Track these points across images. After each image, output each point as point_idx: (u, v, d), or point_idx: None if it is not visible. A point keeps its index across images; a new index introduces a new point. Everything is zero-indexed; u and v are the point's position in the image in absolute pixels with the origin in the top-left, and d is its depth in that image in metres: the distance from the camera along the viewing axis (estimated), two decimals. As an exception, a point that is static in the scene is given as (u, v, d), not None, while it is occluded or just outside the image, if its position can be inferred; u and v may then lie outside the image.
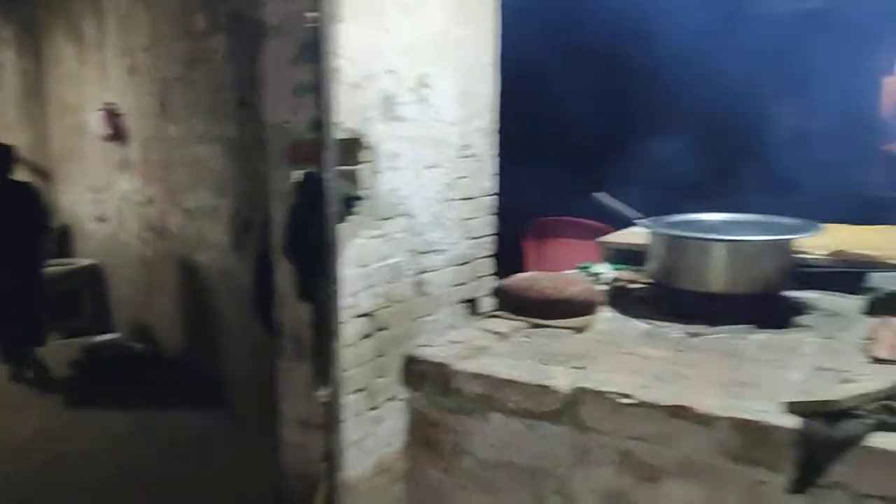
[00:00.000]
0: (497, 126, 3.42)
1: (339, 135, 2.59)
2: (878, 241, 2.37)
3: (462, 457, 1.74)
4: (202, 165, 4.69)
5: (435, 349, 1.82)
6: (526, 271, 2.31)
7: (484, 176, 3.40)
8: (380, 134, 2.77)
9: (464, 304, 3.34)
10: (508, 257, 3.73)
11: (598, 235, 2.97)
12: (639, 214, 2.26)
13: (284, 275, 2.77)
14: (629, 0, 4.38)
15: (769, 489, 1.39)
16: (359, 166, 2.70)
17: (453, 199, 3.21)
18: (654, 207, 2.41)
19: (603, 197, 2.35)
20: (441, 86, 3.06)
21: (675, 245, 2.16)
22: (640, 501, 1.51)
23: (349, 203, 2.66)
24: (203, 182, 4.73)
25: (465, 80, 3.21)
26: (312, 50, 2.49)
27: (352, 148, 2.66)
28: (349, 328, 2.70)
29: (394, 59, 2.80)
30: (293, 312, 2.74)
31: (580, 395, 1.57)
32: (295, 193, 2.66)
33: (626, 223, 2.39)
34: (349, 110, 2.62)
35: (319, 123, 2.49)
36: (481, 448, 1.71)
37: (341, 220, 2.62)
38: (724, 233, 2.18)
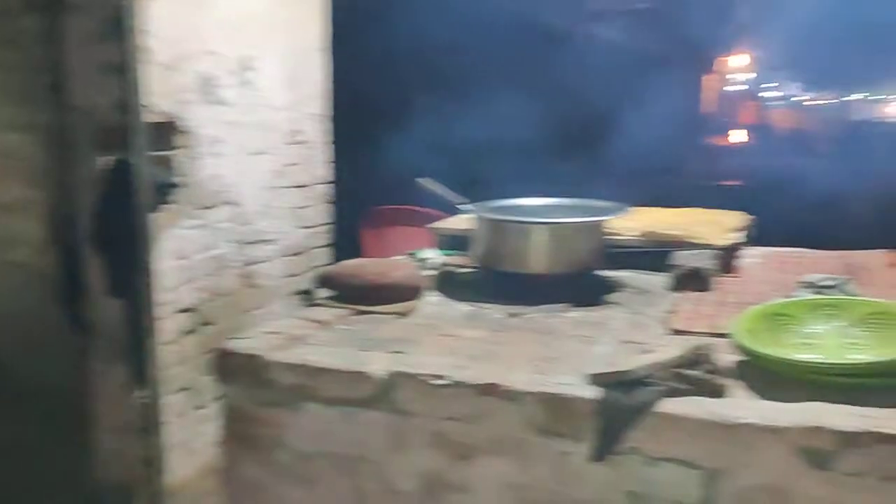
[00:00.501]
0: (330, 113, 3.35)
1: (151, 118, 2.43)
2: (683, 222, 2.53)
3: (280, 450, 1.68)
4: (13, 156, 4.28)
5: (248, 341, 1.74)
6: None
7: (316, 163, 3.31)
8: (199, 118, 2.62)
9: (297, 296, 3.25)
10: (348, 246, 3.68)
11: (435, 222, 2.98)
12: (462, 199, 2.28)
13: (94, 269, 2.57)
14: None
15: (574, 459, 1.43)
16: (175, 152, 2.55)
17: (283, 187, 3.11)
18: (483, 194, 2.45)
19: (428, 182, 2.35)
20: (267, 69, 2.95)
21: (497, 229, 2.20)
22: (454, 480, 1.52)
23: (164, 191, 2.50)
24: (14, 173, 4.32)
25: (293, 63, 3.11)
26: (118, 27, 2.31)
27: (166, 132, 2.51)
28: (168, 324, 2.55)
29: (213, 39, 2.66)
30: (105, 309, 2.55)
31: (395, 380, 1.55)
32: (103, 181, 2.47)
33: (453, 209, 2.41)
34: (162, 92, 2.46)
35: (125, 106, 2.32)
36: (299, 439, 1.66)
37: (156, 209, 2.46)
38: (543, 216, 2.25)
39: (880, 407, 1.34)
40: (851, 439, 1.26)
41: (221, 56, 2.72)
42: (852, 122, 21.49)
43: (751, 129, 20.57)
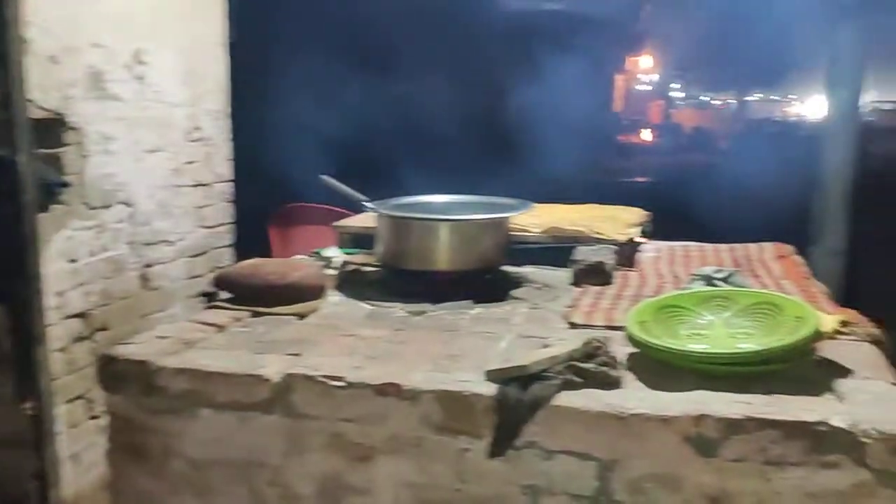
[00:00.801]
0: (229, 109, 3.26)
1: (36, 114, 2.30)
2: (585, 219, 2.58)
3: (172, 459, 1.61)
4: None
5: (136, 346, 1.67)
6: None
7: (217, 161, 3.22)
8: (88, 114, 2.51)
9: (199, 298, 3.15)
10: (255, 246, 3.59)
11: (340, 220, 2.93)
12: (362, 197, 2.25)
13: (-25, 274, 2.42)
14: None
15: (473, 456, 1.43)
16: (63, 149, 2.43)
17: (182, 186, 3.01)
18: (388, 191, 2.43)
19: (330, 180, 2.31)
20: (162, 63, 2.85)
21: (400, 227, 2.18)
22: (353, 482, 1.49)
23: (52, 190, 2.38)
24: None
25: (190, 58, 3.01)
26: (-5, 16, 2.18)
27: (52, 129, 2.38)
28: (58, 331, 2.43)
29: (102, 31, 2.55)
30: (-13, 317, 2.40)
31: (291, 382, 1.51)
32: (-18, 180, 2.32)
33: (360, 207, 2.37)
34: (46, 86, 2.34)
35: (6, 100, 2.19)
36: (192, 447, 1.59)
37: (42, 209, 2.33)
38: (447, 214, 2.24)
39: (763, 393, 1.39)
40: (735, 426, 1.31)
41: (111, 49, 2.61)
42: (750, 121, 22.56)
43: (658, 127, 21.32)
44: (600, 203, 3.06)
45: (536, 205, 2.83)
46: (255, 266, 2.07)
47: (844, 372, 1.51)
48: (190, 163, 3.03)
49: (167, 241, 2.94)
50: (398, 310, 1.99)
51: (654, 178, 13.33)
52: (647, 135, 20.08)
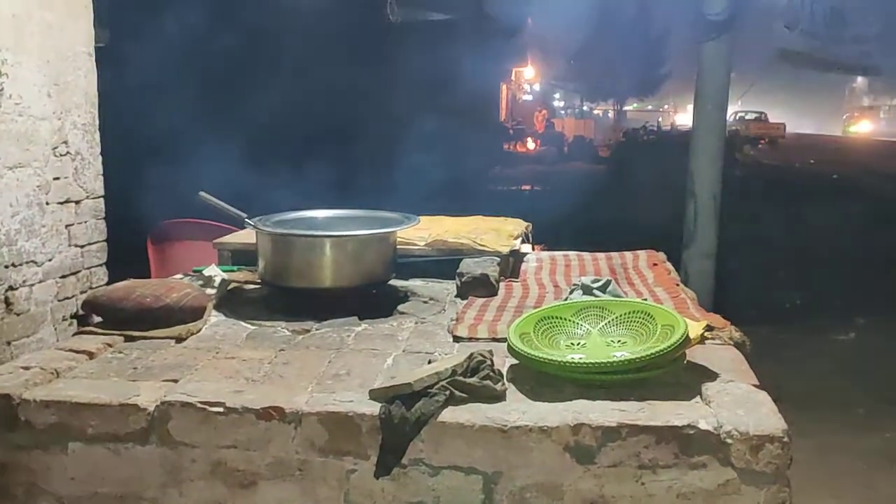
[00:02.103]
0: (97, 122, 3.10)
1: None
2: (470, 231, 2.62)
3: (39, 498, 1.51)
4: None
5: (-3, 379, 1.56)
6: (151, 278, 2.12)
7: (87, 176, 3.06)
8: (-62, 128, 2.33)
9: (71, 321, 2.98)
10: (133, 264, 3.43)
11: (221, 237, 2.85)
12: (243, 214, 2.20)
13: None
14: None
15: (359, 477, 1.42)
16: None
17: (49, 203, 2.84)
18: (271, 206, 2.38)
19: (208, 196, 2.24)
20: (24, 74, 2.68)
21: (282, 243, 2.15)
22: (236, 511, 1.45)
23: None
24: None
25: (56, 70, 2.85)
26: None
27: None
28: None
29: (-46, 40, 2.37)
30: None
31: (168, 410, 1.45)
32: None
33: (242, 222, 2.31)
34: None
35: None
36: (62, 484, 1.50)
37: None
38: (331, 229, 2.22)
39: (637, 400, 1.46)
40: (611, 433, 1.36)
41: (-34, 59, 2.43)
42: (628, 129, 23.64)
43: (541, 136, 21.97)
44: (487, 214, 3.12)
45: (423, 217, 2.86)
46: (128, 287, 1.98)
47: (711, 375, 1.60)
48: (57, 179, 2.87)
49: (34, 261, 2.77)
50: (281, 329, 1.96)
51: (538, 185, 13.74)
52: (531, 143, 20.68)
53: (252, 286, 2.31)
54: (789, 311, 6.95)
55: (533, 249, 2.80)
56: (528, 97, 26.75)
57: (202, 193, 2.23)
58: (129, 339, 1.85)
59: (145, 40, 4.23)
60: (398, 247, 2.38)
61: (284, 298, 2.13)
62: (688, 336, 1.57)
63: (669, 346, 1.52)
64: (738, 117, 30.22)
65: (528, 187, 13.79)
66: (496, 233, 2.61)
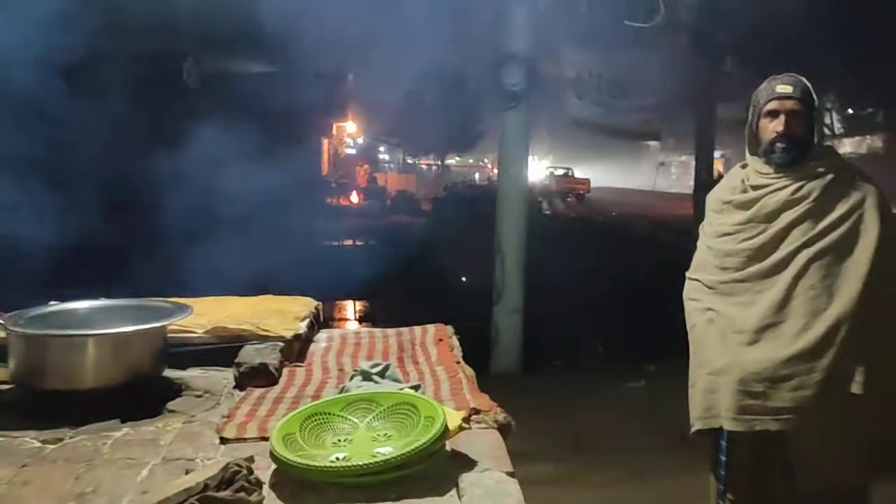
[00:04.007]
0: None
1: None
2: (252, 314, 2.55)
3: None
4: None
5: None
6: None
7: None
8: None
9: None
10: None
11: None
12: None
13: None
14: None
15: None
16: None
17: None
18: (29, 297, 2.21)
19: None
20: None
21: (37, 343, 1.99)
22: None
23: None
24: None
25: None
26: None
27: None
28: None
29: None
30: None
31: None
32: None
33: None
34: None
35: None
36: None
37: None
38: (92, 323, 2.09)
39: (395, 499, 1.48)
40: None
41: None
42: (450, 184, 24.50)
43: (364, 190, 22.20)
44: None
45: (207, 299, 2.77)
46: None
47: (471, 464, 1.65)
48: None
49: None
50: (30, 439, 1.80)
51: (361, 239, 13.83)
52: (354, 197, 20.82)
53: (3, 387, 2.11)
54: (591, 359, 7.41)
55: (321, 329, 2.79)
56: (352, 151, 27.00)
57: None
58: None
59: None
60: (175, 336, 2.28)
61: (37, 402, 1.96)
62: (446, 428, 1.62)
63: (425, 442, 1.55)
64: (548, 173, 32.25)
65: (350, 242, 13.82)
66: (281, 315, 2.57)
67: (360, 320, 9.17)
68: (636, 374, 6.52)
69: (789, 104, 2.35)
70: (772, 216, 2.36)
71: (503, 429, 1.90)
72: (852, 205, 2.32)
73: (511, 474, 1.63)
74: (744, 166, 2.55)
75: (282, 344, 2.39)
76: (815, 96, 2.37)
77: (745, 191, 2.46)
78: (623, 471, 4.40)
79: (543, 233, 11.19)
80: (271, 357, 2.27)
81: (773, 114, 2.38)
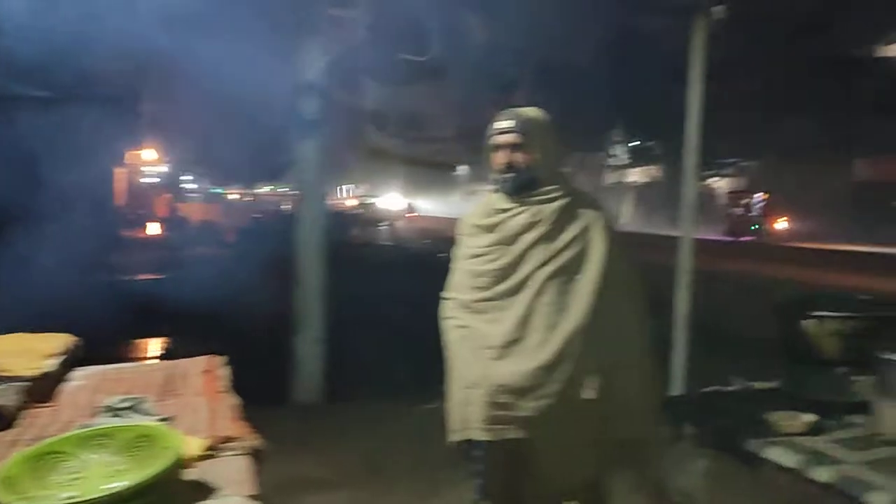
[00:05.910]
0: None
1: None
2: (17, 350, 2.40)
3: None
4: None
5: None
6: None
7: None
8: None
9: None
10: None
11: None
12: None
13: None
14: None
15: None
16: None
17: None
18: None
19: None
20: None
21: None
22: None
23: None
24: None
25: None
26: None
27: None
28: None
29: None
30: None
31: None
32: None
33: None
34: None
35: None
36: None
37: None
38: None
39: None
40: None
41: None
42: (256, 213, 23.95)
43: (165, 221, 21.13)
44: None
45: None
46: None
47: (209, 492, 1.66)
48: None
49: None
50: None
51: (159, 273, 13.12)
52: (154, 229, 19.73)
53: None
54: (392, 385, 7.52)
55: (78, 367, 2.65)
56: (153, 180, 25.64)
57: None
58: None
59: None
60: None
61: None
62: (181, 457, 1.62)
63: (154, 473, 1.53)
64: (361, 201, 32.55)
65: (147, 276, 13.09)
66: (28, 354, 2.42)
67: (143, 358, 8.70)
68: (433, 396, 6.70)
69: (510, 138, 2.60)
70: (513, 239, 2.59)
71: (257, 454, 1.92)
72: (582, 227, 2.59)
73: (254, 497, 1.65)
74: (495, 191, 2.78)
75: (29, 384, 2.25)
76: (541, 128, 2.63)
77: (490, 215, 2.68)
78: (415, 491, 4.53)
79: (351, 262, 11.26)
80: (10, 398, 2.13)
81: (497, 147, 2.63)
